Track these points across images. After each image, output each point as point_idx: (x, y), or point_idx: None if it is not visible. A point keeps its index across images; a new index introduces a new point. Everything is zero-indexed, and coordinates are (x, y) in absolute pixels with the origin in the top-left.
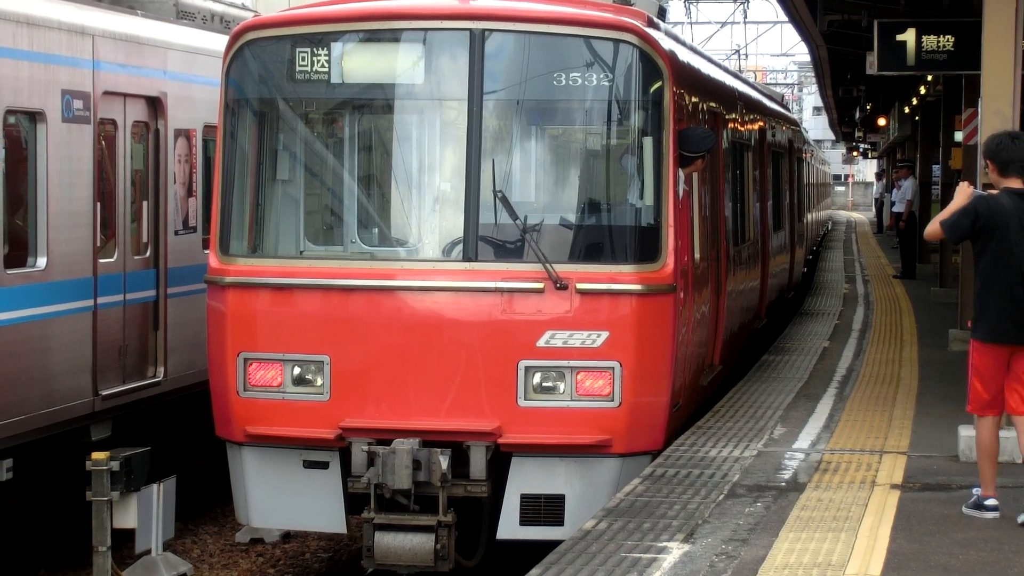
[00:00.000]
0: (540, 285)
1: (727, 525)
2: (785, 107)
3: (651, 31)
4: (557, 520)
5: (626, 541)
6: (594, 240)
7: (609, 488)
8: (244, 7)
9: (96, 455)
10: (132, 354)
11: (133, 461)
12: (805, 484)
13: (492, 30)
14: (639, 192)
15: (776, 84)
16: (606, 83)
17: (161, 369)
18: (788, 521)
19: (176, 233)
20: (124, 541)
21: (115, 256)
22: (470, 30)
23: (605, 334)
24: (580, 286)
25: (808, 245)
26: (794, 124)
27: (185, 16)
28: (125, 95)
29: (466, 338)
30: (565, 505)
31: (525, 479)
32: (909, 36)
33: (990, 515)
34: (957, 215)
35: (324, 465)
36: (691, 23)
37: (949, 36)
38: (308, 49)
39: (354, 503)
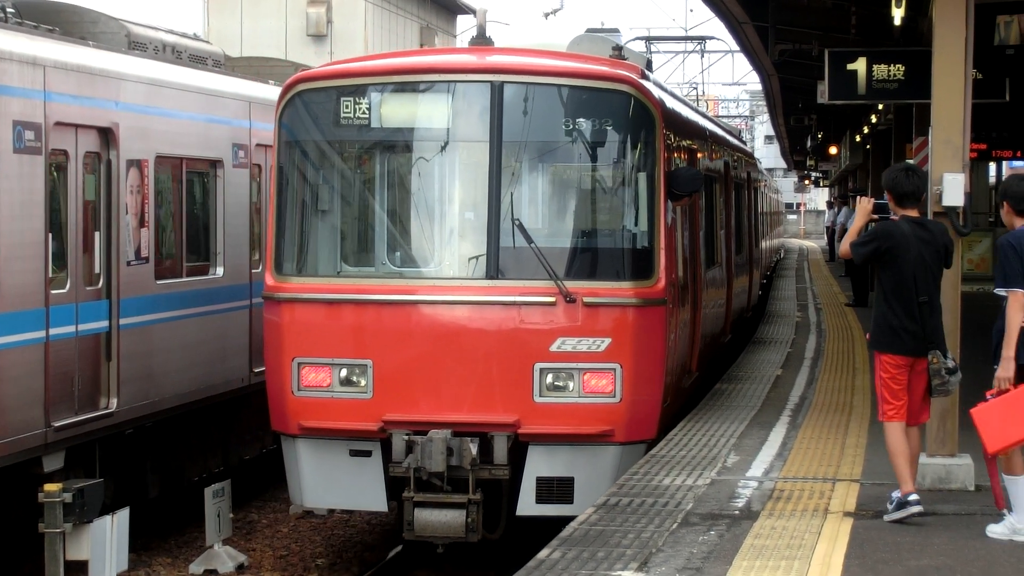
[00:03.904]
0: (552, 299)
1: (681, 554)
2: (743, 141)
3: (644, 82)
4: (567, 499)
5: (580, 571)
6: (597, 260)
7: (611, 471)
8: (196, 37)
9: (49, 487)
10: (84, 385)
11: (86, 493)
12: (759, 512)
13: (509, 82)
14: (635, 219)
15: (728, 117)
16: (606, 127)
17: (114, 400)
18: (742, 549)
19: (128, 264)
20: (77, 573)
21: (67, 287)
22: (491, 82)
23: (608, 340)
24: (586, 299)
25: (763, 270)
26: (751, 157)
27: (137, 47)
28: (77, 126)
29: (489, 344)
30: (574, 486)
31: (540, 464)
32: (860, 65)
33: (915, 508)
34: (863, 240)
35: (368, 453)
36: (648, 54)
37: (900, 65)
38: (351, 98)
39: (392, 487)
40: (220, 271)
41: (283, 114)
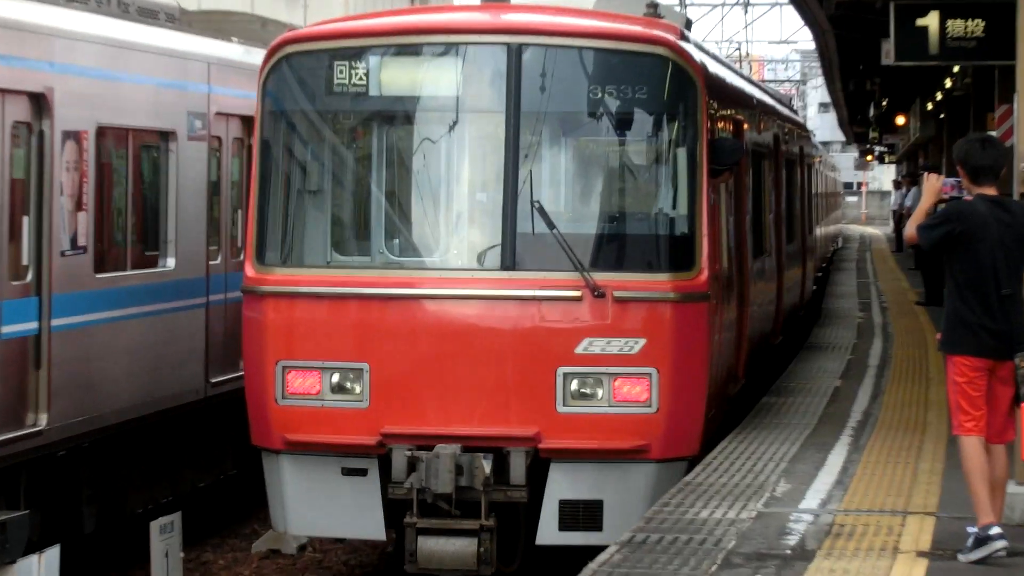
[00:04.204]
0: (578, 293)
1: None
2: (794, 111)
3: (683, 44)
4: (595, 525)
5: None
6: (629, 249)
7: (646, 493)
8: None
9: None
10: (7, 398)
11: (8, 528)
12: (814, 552)
13: (528, 44)
14: (673, 201)
15: (776, 81)
16: (641, 96)
17: (43, 416)
18: None
19: (63, 254)
20: None
21: None
22: (507, 44)
23: (642, 341)
24: (617, 293)
25: (817, 261)
26: (803, 129)
27: None
28: (3, 91)
29: (505, 345)
30: (603, 510)
31: (563, 485)
32: (931, 20)
33: (999, 544)
34: (932, 221)
35: (363, 472)
36: (683, 8)
37: (979, 20)
38: (347, 62)
39: (391, 511)
40: (172, 262)
41: (268, 80)
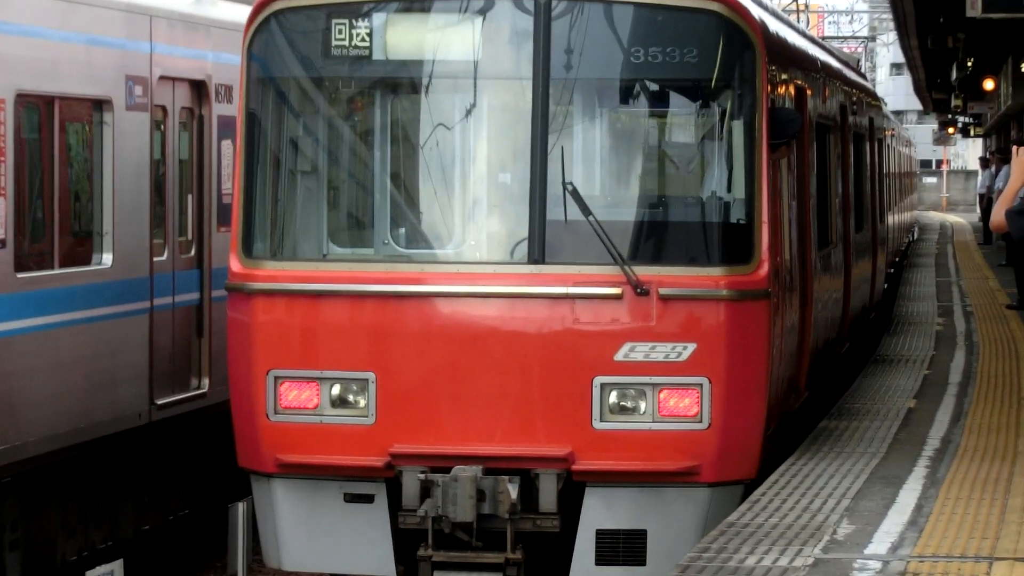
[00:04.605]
0: (618, 290)
1: None
2: (862, 75)
3: None
4: (638, 559)
5: None
6: (677, 238)
7: (697, 522)
8: None
9: None
10: None
11: None
12: None
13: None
14: (728, 183)
15: (838, 38)
16: (690, 59)
17: None
18: None
19: None
20: None
21: None
22: (534, 0)
23: (692, 346)
24: (663, 291)
25: (889, 255)
26: (874, 97)
27: None
28: None
29: (533, 351)
30: (647, 542)
31: (601, 512)
32: None
33: None
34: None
35: (369, 498)
36: None
37: None
38: (346, 21)
39: (400, 543)
40: (108, 259)
41: (254, 42)
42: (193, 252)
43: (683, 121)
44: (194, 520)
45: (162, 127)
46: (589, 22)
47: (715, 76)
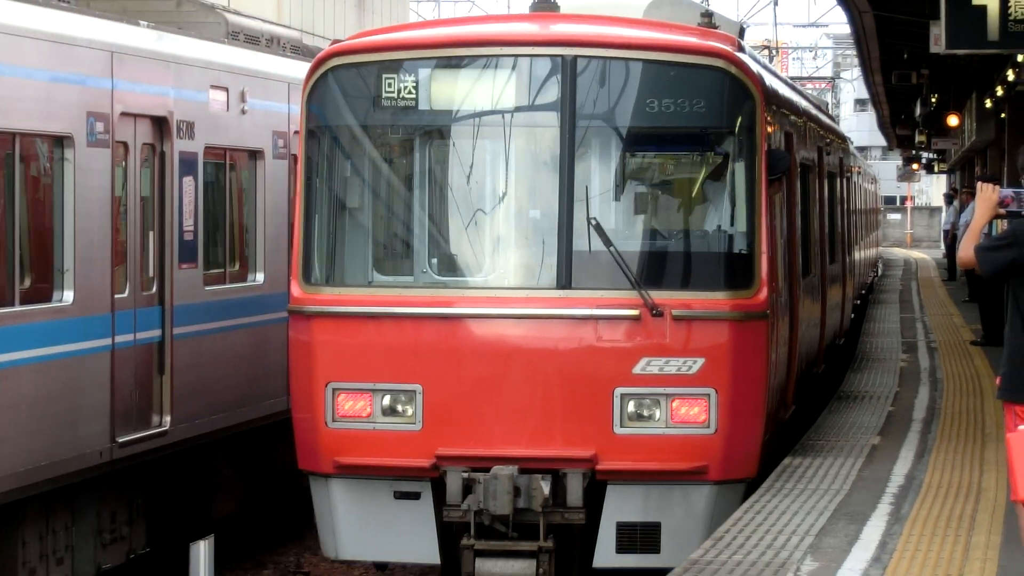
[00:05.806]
0: (636, 312)
1: None
2: (832, 118)
3: (741, 56)
4: (653, 548)
5: None
6: (687, 266)
7: (705, 515)
8: None
9: None
10: None
11: None
12: None
13: (582, 56)
14: (731, 218)
15: (803, 79)
16: (698, 109)
17: None
18: None
19: None
20: None
21: None
22: (561, 56)
23: (701, 361)
24: (676, 313)
25: (856, 287)
26: (843, 139)
27: None
28: None
29: (561, 365)
30: (661, 533)
31: (621, 507)
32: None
33: None
34: (996, 242)
35: (416, 495)
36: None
37: None
38: (395, 75)
39: (442, 534)
40: (69, 296)
41: (312, 93)
42: (155, 289)
43: (692, 163)
44: (155, 558)
45: (124, 164)
46: (610, 76)
47: (720, 124)
